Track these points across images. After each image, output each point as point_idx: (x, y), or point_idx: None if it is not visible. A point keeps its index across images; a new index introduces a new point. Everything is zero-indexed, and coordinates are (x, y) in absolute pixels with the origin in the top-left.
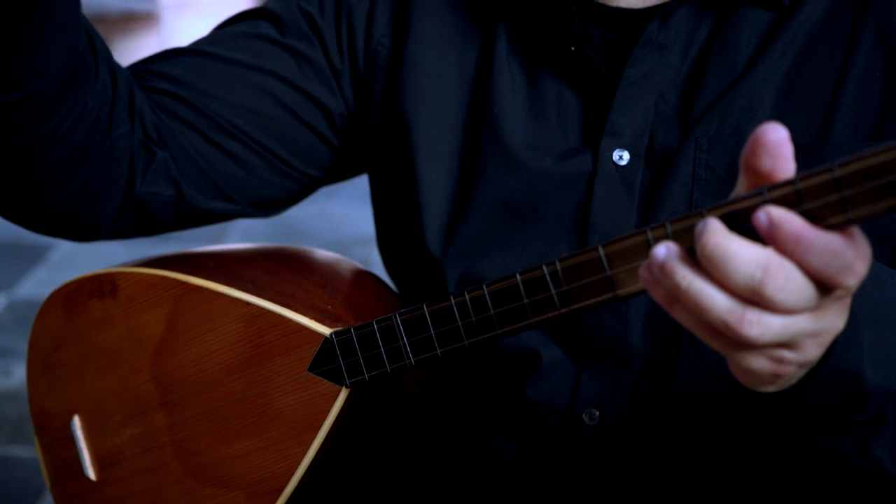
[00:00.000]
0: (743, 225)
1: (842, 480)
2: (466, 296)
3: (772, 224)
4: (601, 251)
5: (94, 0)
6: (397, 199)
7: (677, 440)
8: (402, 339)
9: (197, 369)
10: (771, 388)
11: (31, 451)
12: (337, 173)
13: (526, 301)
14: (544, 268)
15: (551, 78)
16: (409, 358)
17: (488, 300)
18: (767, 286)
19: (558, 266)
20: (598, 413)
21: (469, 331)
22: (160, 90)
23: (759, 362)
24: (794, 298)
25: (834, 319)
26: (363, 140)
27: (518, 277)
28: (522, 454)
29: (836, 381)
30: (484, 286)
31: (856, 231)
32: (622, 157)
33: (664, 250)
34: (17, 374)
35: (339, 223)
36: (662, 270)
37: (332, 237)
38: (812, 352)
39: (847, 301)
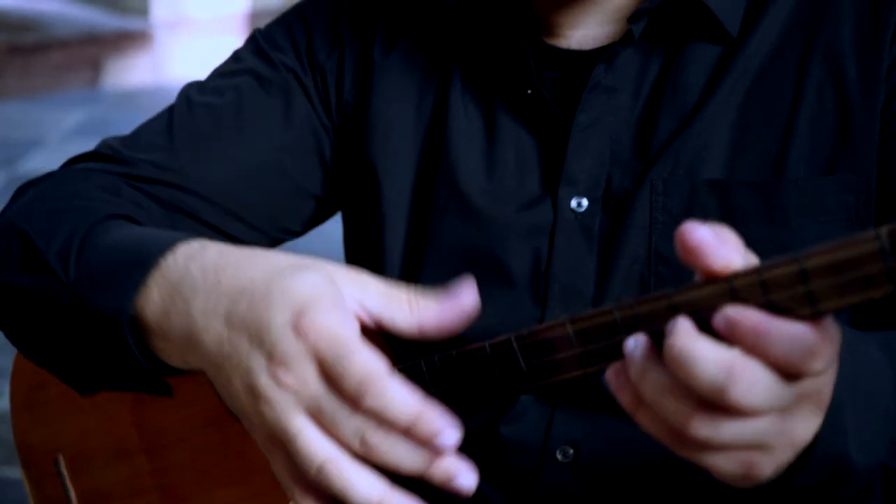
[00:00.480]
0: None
1: None
2: (436, 360)
3: (729, 324)
4: (569, 328)
5: (87, 19)
6: (364, 245)
7: (655, 476)
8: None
9: (179, 416)
10: (748, 485)
11: None
12: (316, 221)
13: (496, 372)
14: (513, 339)
15: (508, 120)
16: None
17: (457, 365)
18: (731, 389)
19: (523, 341)
20: (572, 451)
21: (441, 395)
22: (155, 180)
23: (726, 464)
24: (760, 399)
25: (804, 419)
26: (340, 189)
27: (487, 346)
28: (497, 492)
29: (823, 469)
30: (453, 352)
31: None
32: (580, 203)
33: (633, 343)
34: None
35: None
36: (632, 364)
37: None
38: (784, 455)
39: (819, 398)
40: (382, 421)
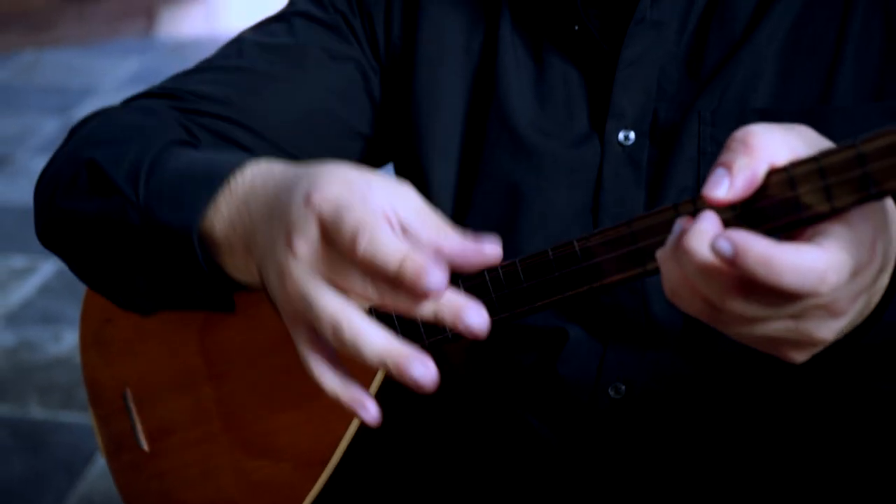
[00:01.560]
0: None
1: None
2: (500, 271)
3: (735, 251)
4: (630, 229)
5: None
6: (414, 184)
7: (707, 410)
8: (490, 295)
9: (243, 342)
10: (804, 356)
11: (81, 417)
12: (366, 162)
13: (557, 274)
14: (575, 243)
15: (557, 58)
16: (445, 331)
17: (521, 273)
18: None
19: (584, 244)
20: (623, 387)
21: (502, 304)
22: (212, 114)
23: (776, 327)
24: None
25: (817, 323)
26: (389, 131)
27: (550, 253)
28: (551, 429)
29: (881, 335)
30: (517, 261)
31: (828, 241)
32: (628, 136)
33: (678, 226)
34: (68, 340)
35: None
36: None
37: None
38: (811, 349)
39: (836, 307)
40: (375, 270)
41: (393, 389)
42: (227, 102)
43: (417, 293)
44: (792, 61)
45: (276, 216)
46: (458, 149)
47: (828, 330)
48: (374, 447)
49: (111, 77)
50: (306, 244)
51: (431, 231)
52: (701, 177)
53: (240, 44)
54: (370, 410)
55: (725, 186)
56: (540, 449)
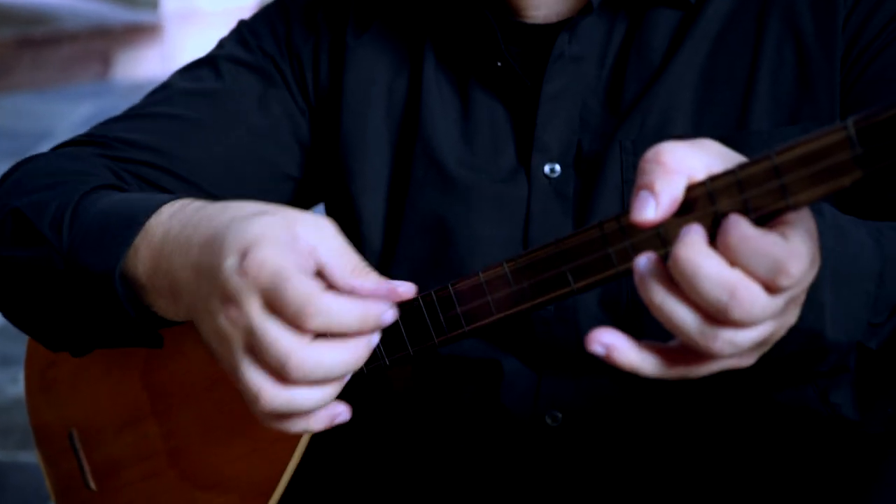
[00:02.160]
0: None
1: (805, 429)
2: (434, 295)
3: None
4: (556, 249)
5: (97, 12)
6: (343, 222)
7: (642, 433)
8: (380, 346)
9: (186, 377)
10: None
11: None
12: (297, 205)
13: (489, 298)
14: (504, 265)
15: (482, 94)
16: (383, 358)
17: (454, 298)
18: (732, 310)
19: (517, 263)
20: (560, 415)
21: (438, 329)
22: (137, 160)
23: (724, 364)
24: (757, 315)
25: (789, 318)
26: (319, 171)
27: (480, 275)
28: (491, 460)
29: (797, 339)
30: (449, 285)
31: (792, 231)
32: (553, 169)
33: (644, 261)
34: None
35: None
36: (640, 283)
37: None
38: (766, 348)
39: (800, 298)
40: (333, 332)
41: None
42: (153, 149)
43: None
44: (708, 90)
45: (204, 275)
46: (386, 186)
47: (787, 325)
48: (318, 476)
49: (67, 121)
50: (240, 315)
51: (346, 272)
52: (626, 203)
53: (167, 90)
54: (343, 417)
55: (652, 207)
56: (482, 478)
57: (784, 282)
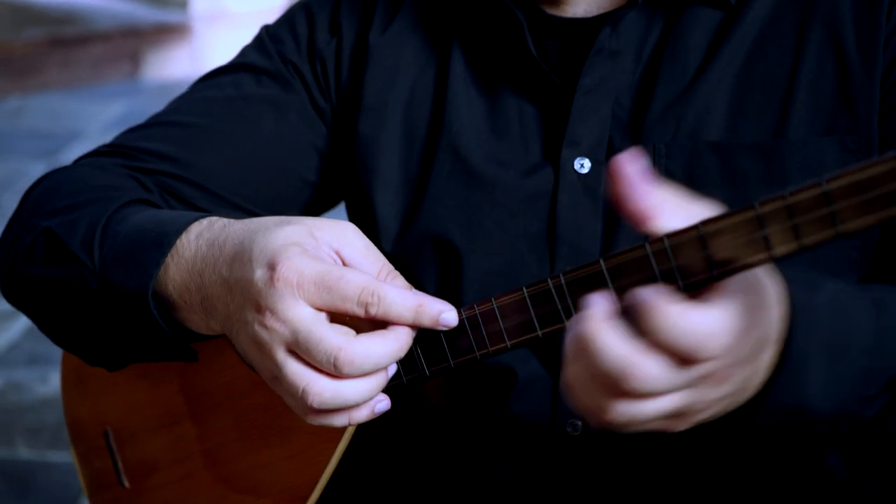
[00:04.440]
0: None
1: (810, 487)
2: (476, 309)
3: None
4: (602, 265)
5: (127, 12)
6: (362, 219)
7: (662, 441)
8: (416, 351)
9: (223, 380)
10: (681, 428)
11: (68, 456)
12: (315, 209)
13: (533, 314)
14: (549, 281)
15: (510, 93)
16: (423, 369)
17: (497, 313)
18: (623, 384)
19: (562, 280)
20: (580, 423)
21: (480, 343)
22: (158, 171)
23: (643, 427)
24: (651, 388)
25: (705, 393)
26: (337, 173)
27: (525, 291)
28: (509, 469)
29: (780, 415)
30: (493, 300)
31: (715, 306)
32: (583, 165)
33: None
34: (55, 381)
35: None
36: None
37: None
38: (697, 418)
39: (719, 377)
40: (388, 320)
41: (369, 429)
42: (172, 159)
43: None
44: (745, 95)
45: (235, 289)
46: (404, 182)
47: (710, 400)
48: (353, 483)
49: (97, 120)
50: (279, 322)
51: (373, 274)
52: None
53: (187, 99)
54: (383, 406)
55: (634, 168)
56: (504, 489)
57: (700, 357)
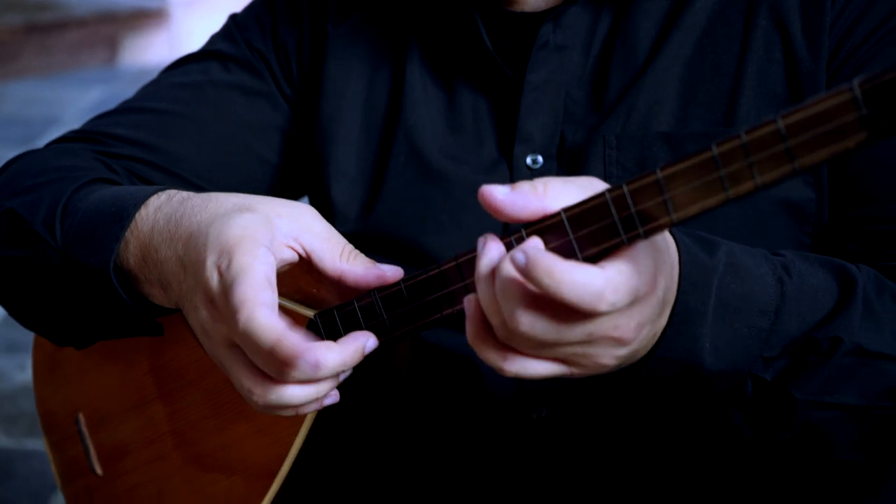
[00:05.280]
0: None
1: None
2: (440, 268)
3: (528, 260)
4: (563, 215)
5: None
6: (320, 204)
7: (627, 426)
8: (382, 316)
9: (191, 359)
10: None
11: None
12: (283, 194)
13: (466, 283)
14: (511, 238)
15: (465, 87)
16: (385, 325)
17: (460, 270)
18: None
19: (523, 233)
20: (545, 410)
21: (445, 302)
22: (127, 156)
23: (564, 351)
24: (541, 336)
25: (603, 350)
26: (298, 161)
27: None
28: (476, 455)
29: (671, 367)
30: (455, 257)
31: (611, 264)
32: (535, 160)
33: (480, 243)
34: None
35: None
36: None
37: None
38: (594, 371)
39: (618, 334)
40: (251, 346)
41: (343, 395)
42: (141, 144)
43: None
44: (694, 85)
45: (188, 270)
46: (360, 174)
47: (611, 357)
48: (323, 456)
49: (75, 107)
50: (220, 315)
51: (335, 257)
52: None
53: (157, 85)
54: (332, 399)
55: (505, 191)
56: (470, 469)
57: (602, 307)
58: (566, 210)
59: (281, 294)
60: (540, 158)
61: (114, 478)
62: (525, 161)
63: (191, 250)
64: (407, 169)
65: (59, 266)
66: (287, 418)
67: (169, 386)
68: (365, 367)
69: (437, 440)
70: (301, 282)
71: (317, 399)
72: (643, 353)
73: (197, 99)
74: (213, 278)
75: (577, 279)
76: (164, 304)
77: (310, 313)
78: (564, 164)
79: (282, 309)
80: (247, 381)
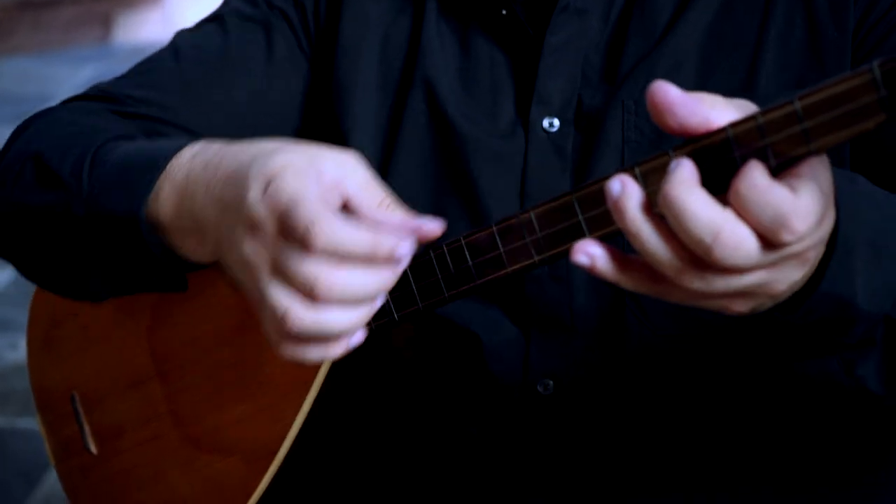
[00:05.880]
0: (723, 156)
1: (825, 403)
2: (444, 248)
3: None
4: (573, 198)
5: None
6: None
7: (635, 401)
8: (385, 296)
9: (190, 338)
10: (744, 310)
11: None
12: None
13: (502, 250)
14: (519, 216)
15: (483, 42)
16: (392, 314)
17: (466, 251)
18: (714, 251)
19: (532, 214)
20: (551, 383)
21: (449, 283)
22: (144, 115)
23: (708, 304)
24: (741, 261)
25: (787, 274)
26: (316, 118)
27: (494, 228)
28: (479, 430)
29: (826, 306)
30: (461, 238)
31: (803, 186)
32: (552, 123)
33: (618, 185)
34: (24, 347)
35: None
36: (616, 208)
37: None
38: (762, 302)
39: (803, 256)
40: (342, 258)
41: (338, 381)
42: (161, 105)
43: (390, 263)
44: (714, 52)
45: (228, 208)
46: (377, 129)
47: (789, 280)
48: (322, 437)
49: (68, 84)
50: (261, 242)
51: (373, 206)
52: (625, 164)
53: (175, 46)
54: (358, 338)
55: (679, 91)
56: (476, 449)
57: (786, 237)
58: (733, 125)
59: None
60: (557, 122)
61: (109, 457)
62: (542, 124)
63: (229, 188)
64: (423, 123)
65: (81, 216)
66: (287, 398)
67: (167, 365)
68: (364, 349)
69: (440, 419)
70: None
71: (350, 330)
72: (800, 286)
73: (215, 60)
74: (257, 205)
75: (766, 199)
76: (197, 255)
77: None
78: (581, 128)
79: None
80: (284, 304)
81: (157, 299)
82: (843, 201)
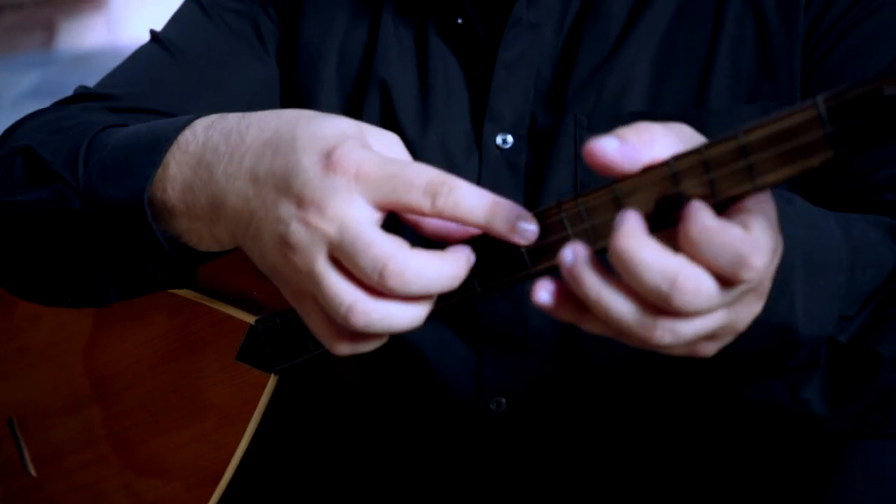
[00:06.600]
0: (668, 191)
1: (769, 423)
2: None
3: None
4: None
5: None
6: None
7: (589, 418)
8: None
9: (128, 362)
10: (711, 353)
11: None
12: None
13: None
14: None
15: (440, 47)
16: (475, 289)
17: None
18: (674, 298)
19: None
20: (504, 400)
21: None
22: (140, 109)
23: (677, 351)
24: (703, 305)
25: (747, 309)
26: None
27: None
28: (431, 450)
29: (767, 334)
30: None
31: (753, 221)
32: (506, 140)
33: (570, 255)
34: None
35: None
36: (570, 276)
37: None
38: (727, 339)
39: (760, 289)
40: (459, 220)
41: (282, 406)
42: (157, 97)
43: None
44: (666, 65)
45: (268, 183)
46: None
47: (750, 315)
48: (268, 462)
49: (12, 91)
50: (328, 219)
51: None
52: (578, 180)
53: (161, 39)
54: None
55: (615, 144)
56: (428, 469)
57: (746, 275)
58: (676, 158)
59: (220, 298)
60: (510, 138)
61: (49, 480)
62: (495, 140)
63: (267, 159)
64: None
65: (78, 211)
66: (229, 424)
67: (104, 389)
68: (309, 375)
69: (391, 440)
70: (242, 285)
71: (413, 326)
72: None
73: (209, 53)
74: (316, 178)
75: (722, 240)
76: (204, 241)
77: (250, 319)
78: (535, 145)
79: (219, 315)
80: (349, 298)
81: (93, 322)
82: (783, 224)
